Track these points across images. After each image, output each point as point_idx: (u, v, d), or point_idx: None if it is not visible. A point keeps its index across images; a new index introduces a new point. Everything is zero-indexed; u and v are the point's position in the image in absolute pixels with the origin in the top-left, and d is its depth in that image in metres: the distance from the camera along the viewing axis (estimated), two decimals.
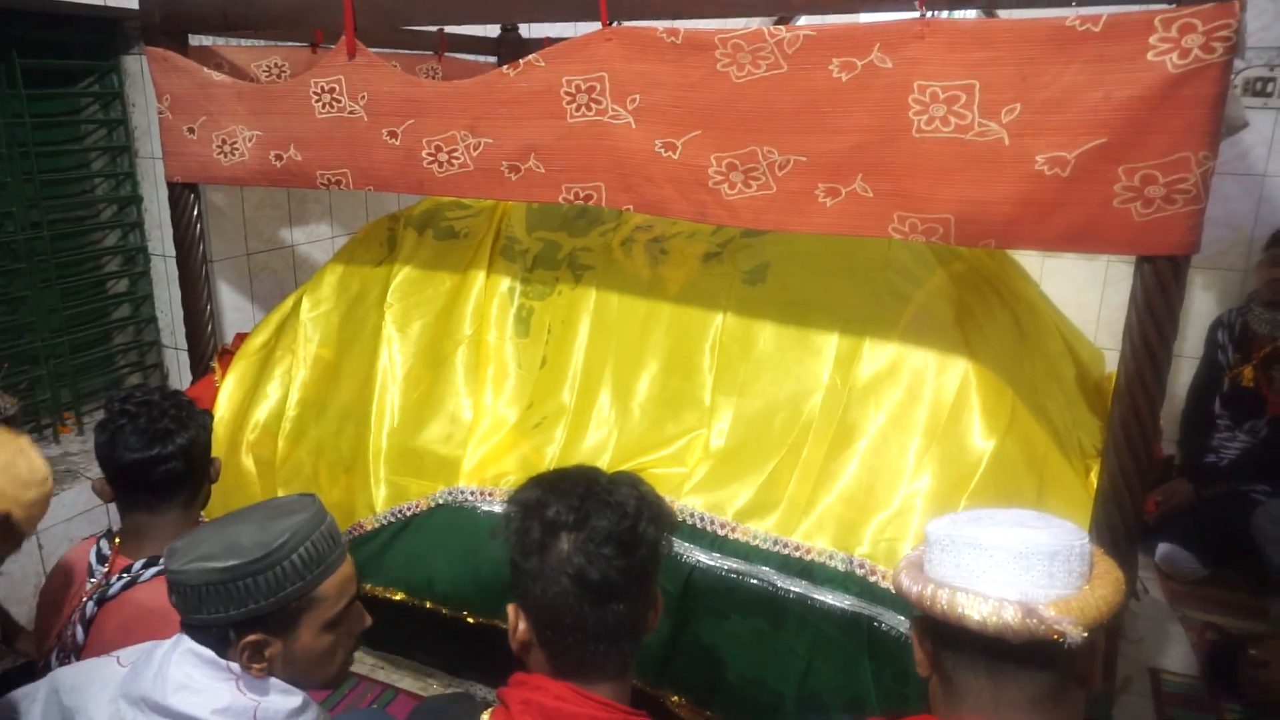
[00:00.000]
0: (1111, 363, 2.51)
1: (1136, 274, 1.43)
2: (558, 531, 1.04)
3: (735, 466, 1.84)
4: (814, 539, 1.69)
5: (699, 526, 1.76)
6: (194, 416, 1.53)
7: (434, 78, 3.08)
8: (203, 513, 1.63)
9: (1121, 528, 1.53)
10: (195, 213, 2.43)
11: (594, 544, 1.02)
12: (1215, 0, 1.26)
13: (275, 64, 2.65)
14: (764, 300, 1.96)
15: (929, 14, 1.40)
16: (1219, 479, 2.92)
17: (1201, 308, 3.31)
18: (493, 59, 3.29)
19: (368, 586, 2.00)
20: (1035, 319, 2.24)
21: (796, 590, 1.65)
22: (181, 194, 2.39)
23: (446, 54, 3.11)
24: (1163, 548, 2.85)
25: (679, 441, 1.94)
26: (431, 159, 1.93)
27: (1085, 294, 3.45)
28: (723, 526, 1.75)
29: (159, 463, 1.45)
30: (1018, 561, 0.91)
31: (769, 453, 1.83)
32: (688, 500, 1.80)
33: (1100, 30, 1.31)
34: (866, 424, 1.79)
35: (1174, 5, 1.28)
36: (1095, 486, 1.62)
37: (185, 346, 2.63)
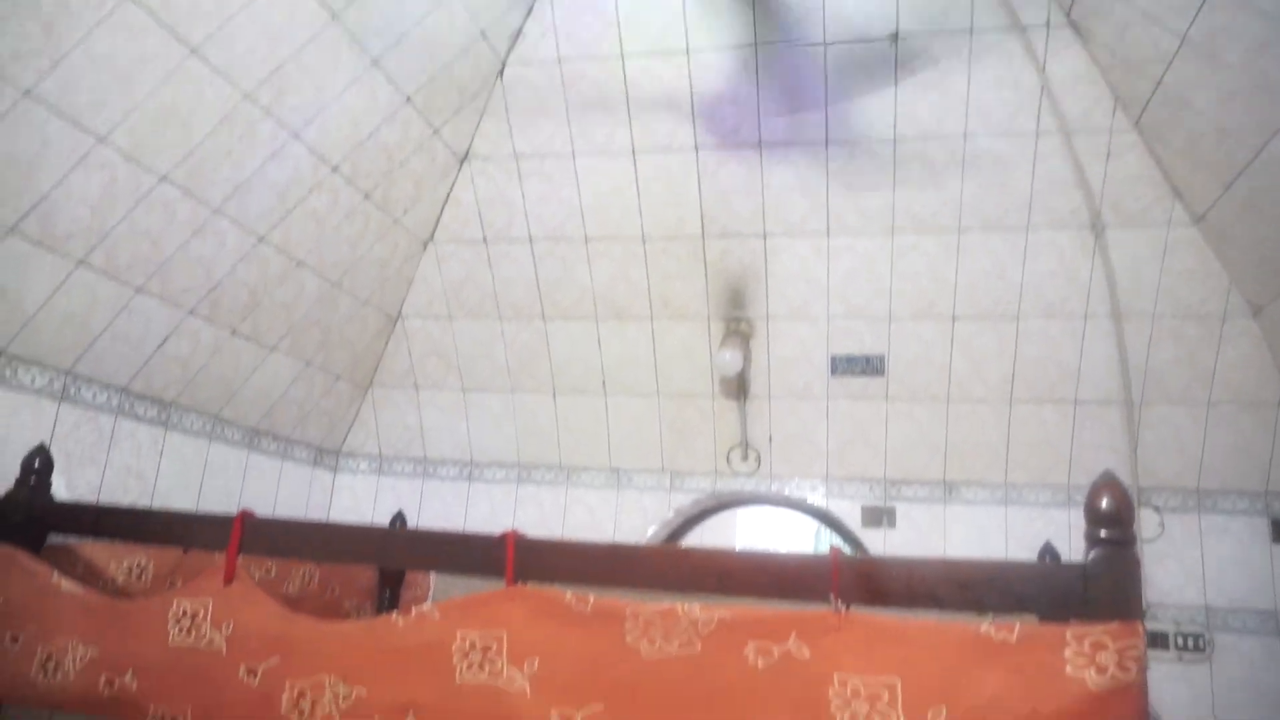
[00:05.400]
0: None
1: None
2: None
3: None
4: None
5: None
6: None
7: (310, 582, 2.92)
8: None
9: None
10: None
11: None
12: (1119, 619, 1.28)
13: (138, 565, 2.45)
14: None
15: (843, 608, 1.39)
16: None
17: None
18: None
19: None
20: None
21: None
22: None
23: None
24: None
25: None
26: (292, 706, 1.69)
27: None
28: None
29: None
30: None
31: None
32: None
33: (1015, 641, 1.31)
34: None
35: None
36: None
37: None
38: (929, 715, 1.32)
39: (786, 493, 3.74)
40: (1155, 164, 3.09)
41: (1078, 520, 3.58)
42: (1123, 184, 3.15)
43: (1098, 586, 1.32)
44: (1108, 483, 1.37)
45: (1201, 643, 3.29)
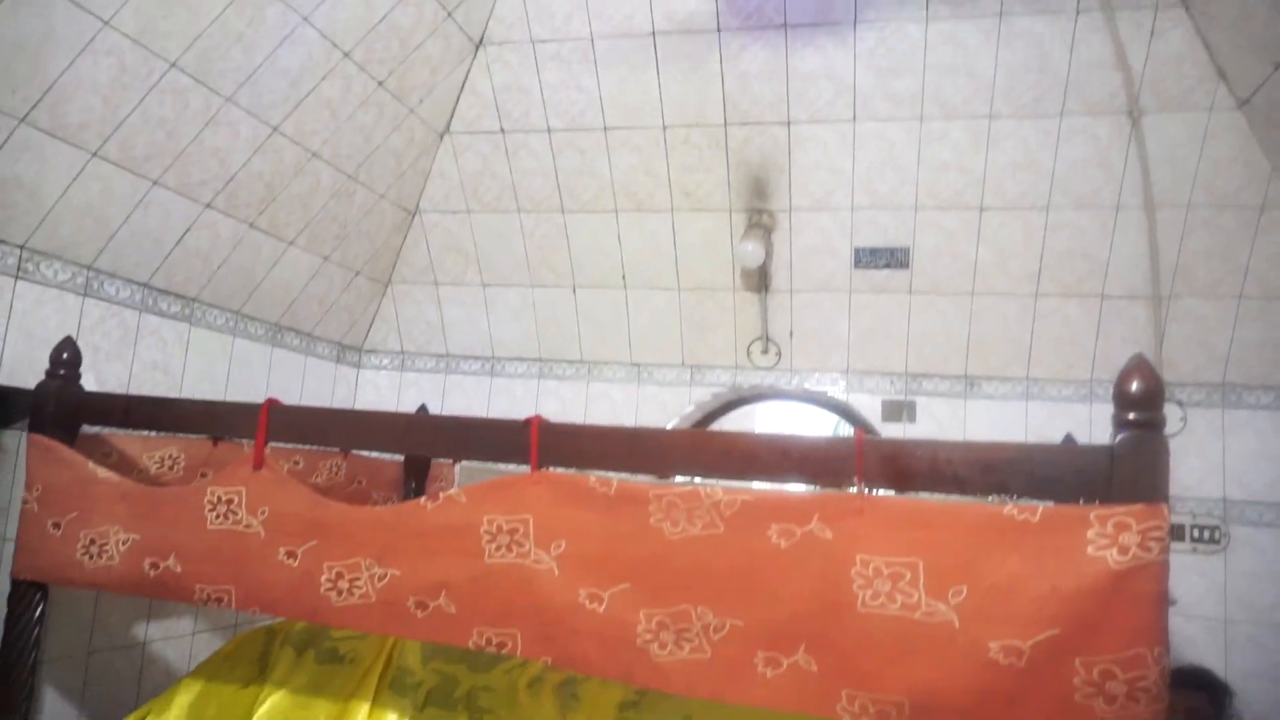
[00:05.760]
0: None
1: None
2: None
3: None
4: None
5: None
6: None
7: (337, 474, 2.98)
8: None
9: None
10: (38, 614, 2.12)
11: None
12: (1144, 502, 1.29)
13: (170, 456, 2.51)
14: None
15: (867, 490, 1.40)
16: None
17: None
18: (398, 456, 3.23)
19: None
20: None
21: None
22: (26, 593, 2.10)
23: (353, 451, 3.04)
24: None
25: None
26: (330, 586, 1.75)
27: None
28: None
29: None
30: None
31: None
32: None
33: (1038, 521, 1.32)
34: None
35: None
36: None
37: None
38: (949, 594, 1.35)
39: (807, 386, 3.74)
40: (1201, 43, 2.94)
41: (1099, 415, 3.59)
42: (1165, 65, 3.01)
43: (1124, 469, 1.31)
44: (1138, 365, 1.35)
45: (1217, 535, 3.32)
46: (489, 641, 1.62)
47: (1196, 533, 3.34)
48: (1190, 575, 3.29)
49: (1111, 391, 1.37)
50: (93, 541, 2.01)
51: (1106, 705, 1.28)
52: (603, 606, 1.54)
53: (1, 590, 2.18)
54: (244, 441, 1.93)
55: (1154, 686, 1.27)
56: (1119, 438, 1.34)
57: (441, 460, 3.26)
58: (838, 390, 3.71)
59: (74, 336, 2.31)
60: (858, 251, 3.51)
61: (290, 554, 1.80)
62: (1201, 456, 3.37)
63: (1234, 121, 3.04)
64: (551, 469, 1.61)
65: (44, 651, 2.29)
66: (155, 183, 2.70)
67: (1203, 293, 3.30)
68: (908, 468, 1.41)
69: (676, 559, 1.49)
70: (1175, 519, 3.30)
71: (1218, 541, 3.31)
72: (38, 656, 2.14)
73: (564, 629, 1.56)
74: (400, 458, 3.24)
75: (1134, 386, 1.34)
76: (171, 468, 2.51)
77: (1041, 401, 3.53)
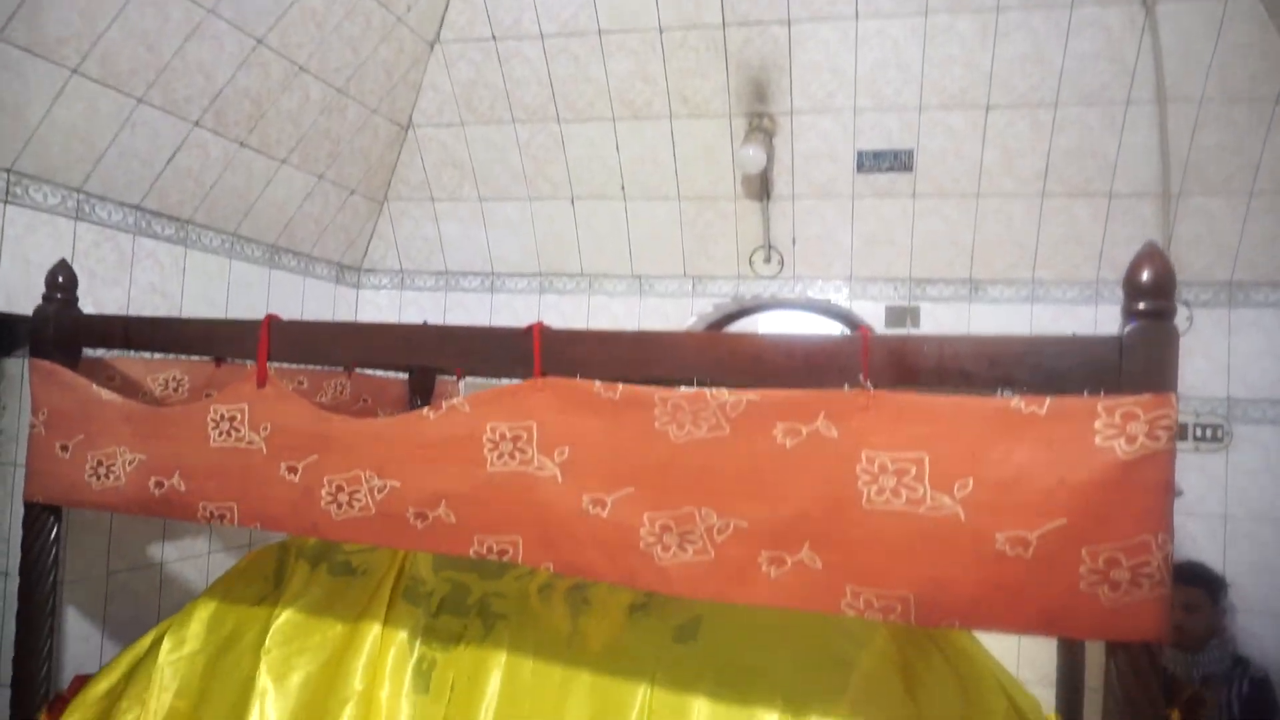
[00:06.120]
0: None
1: (1109, 664, 1.33)
2: None
3: None
4: None
5: None
6: None
7: (342, 393, 2.99)
8: None
9: None
10: (53, 536, 2.15)
11: None
12: (1152, 392, 1.27)
13: (174, 378, 2.51)
14: (697, 662, 1.77)
15: (871, 387, 1.39)
16: None
17: None
18: (403, 375, 3.23)
19: None
20: (976, 674, 2.10)
21: None
22: (40, 515, 2.12)
23: (357, 370, 3.04)
24: None
25: None
26: (331, 499, 1.76)
27: None
28: None
29: None
30: None
31: None
32: None
33: (1045, 414, 1.31)
34: None
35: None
36: None
37: (10, 685, 2.22)
38: (955, 488, 1.34)
39: (809, 295, 3.71)
40: None
41: (1104, 316, 3.56)
42: None
43: (1134, 359, 1.30)
44: (1150, 253, 1.32)
45: (1220, 433, 3.33)
46: (489, 549, 1.64)
47: (1199, 431, 3.36)
48: (1192, 474, 3.31)
49: (1121, 282, 1.34)
50: (100, 463, 2.02)
51: (1111, 591, 1.29)
52: (606, 511, 1.54)
53: (18, 515, 2.20)
54: (247, 362, 1.92)
55: (1157, 572, 1.28)
56: (1128, 328, 1.32)
57: (446, 378, 3.26)
58: (841, 297, 3.68)
59: (69, 261, 2.28)
60: (860, 155, 3.44)
61: (291, 469, 1.80)
62: (1207, 356, 3.36)
63: (1251, 8, 2.93)
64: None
65: (64, 573, 2.33)
66: (140, 100, 2.63)
67: (1213, 190, 3.24)
68: (914, 364, 1.39)
69: (681, 462, 1.48)
70: (1179, 417, 3.31)
71: (1220, 440, 3.33)
72: (57, 577, 2.17)
73: (566, 535, 1.57)
74: (404, 376, 3.24)
75: (1145, 275, 1.32)
76: (176, 390, 2.51)
77: (1046, 304, 3.50)
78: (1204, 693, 2.88)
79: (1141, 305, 1.31)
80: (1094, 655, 2.56)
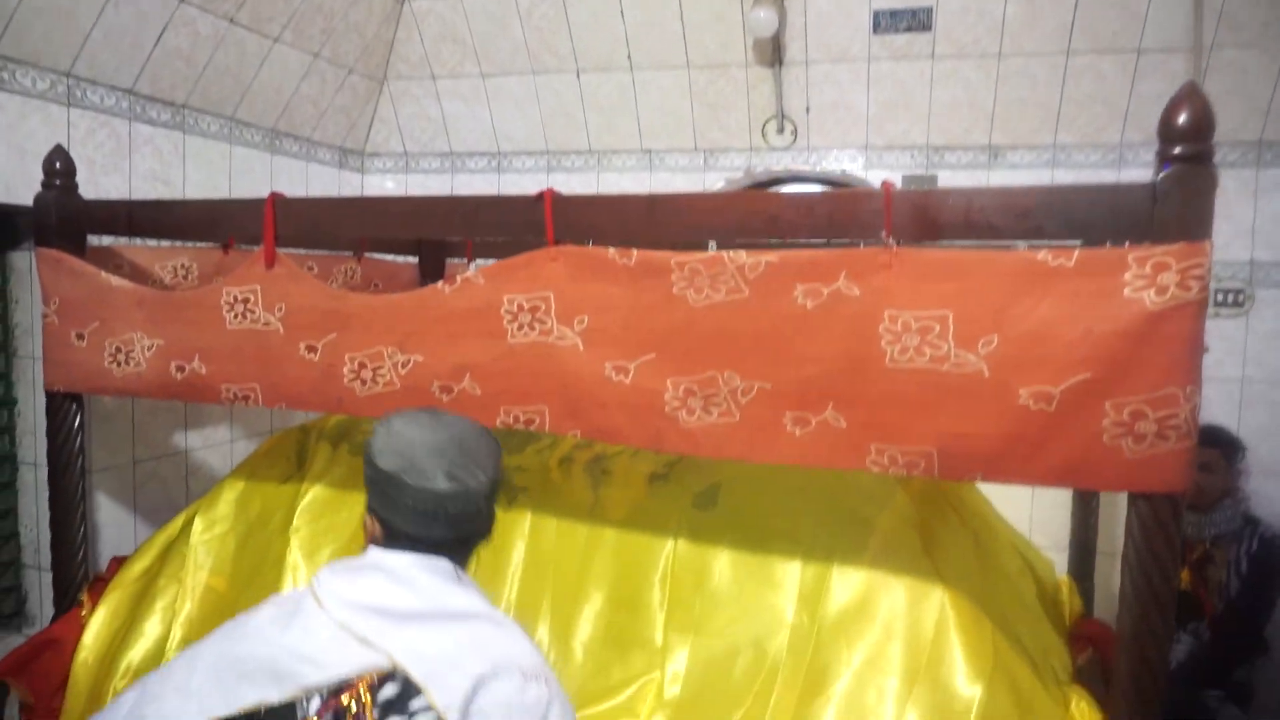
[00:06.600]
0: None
1: (1132, 512, 1.33)
2: None
3: (696, 719, 1.62)
4: None
5: None
6: None
7: (353, 278, 2.96)
8: None
9: None
10: (77, 424, 2.18)
11: None
12: (1186, 240, 1.23)
13: (182, 265, 2.48)
14: (717, 526, 1.80)
15: (894, 244, 1.35)
16: (1170, 685, 2.83)
17: None
18: (413, 259, 3.20)
19: None
20: (991, 535, 2.15)
21: None
22: (62, 404, 2.14)
23: (366, 255, 3.01)
24: None
25: (628, 689, 1.71)
26: (354, 376, 1.76)
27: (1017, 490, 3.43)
28: None
29: None
30: None
31: (733, 702, 1.62)
32: None
33: (1074, 266, 1.27)
34: (840, 666, 1.61)
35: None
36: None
37: (51, 568, 2.29)
38: (979, 344, 1.33)
39: (824, 165, 3.61)
40: None
41: (1129, 179, 3.46)
42: None
43: (1168, 205, 1.25)
44: (1188, 94, 1.26)
45: (1241, 298, 3.28)
46: (516, 419, 1.64)
47: (1220, 296, 3.30)
48: (1211, 338, 3.24)
49: (1157, 128, 1.28)
50: (119, 349, 2.01)
51: (1135, 444, 1.29)
52: (629, 378, 1.53)
53: (41, 408, 2.22)
54: (255, 248, 1.89)
55: (1184, 424, 1.27)
56: (1163, 173, 1.27)
57: (456, 260, 3.23)
58: (856, 168, 3.59)
59: (65, 149, 2.22)
60: (877, 14, 3.28)
61: (310, 348, 1.80)
62: (1230, 219, 3.27)
63: None
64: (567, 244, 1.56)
65: (90, 461, 2.37)
66: None
67: (1248, 42, 3.08)
68: (939, 218, 1.35)
69: (701, 326, 1.46)
70: None
71: (1241, 305, 3.28)
72: (84, 464, 2.21)
73: (591, 402, 1.57)
74: (415, 260, 3.21)
75: (1182, 118, 1.26)
76: (185, 277, 2.49)
77: (1068, 169, 3.40)
78: (1213, 552, 2.94)
79: (1178, 149, 1.26)
80: (1105, 520, 2.61)
